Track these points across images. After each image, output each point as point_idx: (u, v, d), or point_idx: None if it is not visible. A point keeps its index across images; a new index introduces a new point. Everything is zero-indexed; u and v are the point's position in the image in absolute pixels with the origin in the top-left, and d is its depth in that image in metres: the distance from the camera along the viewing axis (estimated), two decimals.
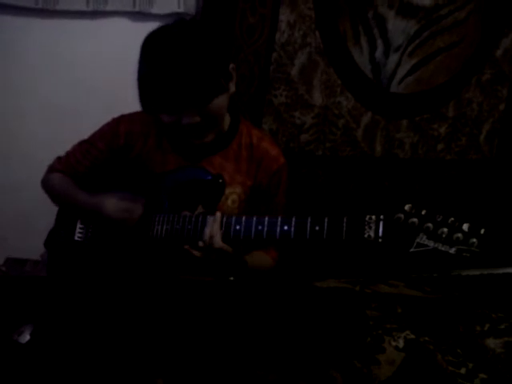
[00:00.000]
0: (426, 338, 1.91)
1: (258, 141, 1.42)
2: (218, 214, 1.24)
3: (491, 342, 1.93)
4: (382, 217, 1.11)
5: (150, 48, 1.27)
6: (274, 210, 1.43)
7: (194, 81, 1.19)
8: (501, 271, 2.56)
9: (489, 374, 1.73)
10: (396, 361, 1.75)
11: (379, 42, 2.17)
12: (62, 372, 1.30)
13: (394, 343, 1.86)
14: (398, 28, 2.17)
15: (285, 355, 1.31)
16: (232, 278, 1.38)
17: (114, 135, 1.43)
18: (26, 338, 1.49)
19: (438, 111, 2.37)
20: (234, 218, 1.23)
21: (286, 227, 1.18)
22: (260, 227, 1.20)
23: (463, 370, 1.75)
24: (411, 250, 1.07)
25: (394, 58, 2.21)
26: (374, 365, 1.71)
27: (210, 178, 1.33)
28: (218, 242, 1.21)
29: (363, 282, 2.31)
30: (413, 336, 1.91)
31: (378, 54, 2.19)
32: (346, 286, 2.26)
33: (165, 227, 1.30)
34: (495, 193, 2.56)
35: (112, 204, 1.36)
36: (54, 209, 1.54)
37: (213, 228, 1.22)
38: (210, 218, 1.24)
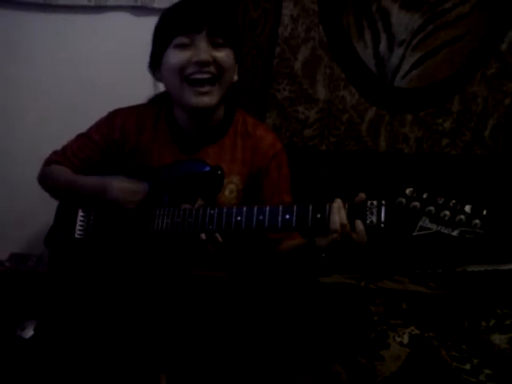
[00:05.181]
0: (431, 334, 1.90)
1: (253, 128, 1.43)
2: (339, 201, 1.14)
3: (496, 338, 1.92)
4: (383, 202, 1.10)
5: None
6: (279, 193, 1.42)
7: (217, 6, 1.29)
8: (506, 267, 2.55)
9: (494, 370, 1.73)
10: (401, 356, 1.74)
11: (383, 36, 2.16)
12: (66, 367, 1.30)
13: (398, 339, 1.85)
14: (402, 22, 2.15)
15: (289, 351, 1.31)
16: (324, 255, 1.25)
17: (110, 128, 1.44)
18: (29, 333, 1.50)
19: (442, 106, 2.36)
20: (234, 209, 1.22)
21: (287, 216, 1.17)
22: (261, 217, 1.19)
23: (468, 366, 1.74)
24: (414, 233, 1.06)
25: (398, 52, 2.20)
26: (378, 360, 1.70)
27: (208, 169, 1.32)
28: (361, 227, 1.11)
29: (368, 277, 2.31)
30: (417, 332, 1.91)
31: (382, 48, 2.17)
32: (350, 281, 2.25)
33: (165, 221, 1.29)
34: (500, 188, 2.55)
35: (116, 185, 1.34)
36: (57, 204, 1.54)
37: (341, 215, 1.13)
38: (333, 206, 1.14)
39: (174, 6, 1.35)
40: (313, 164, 2.25)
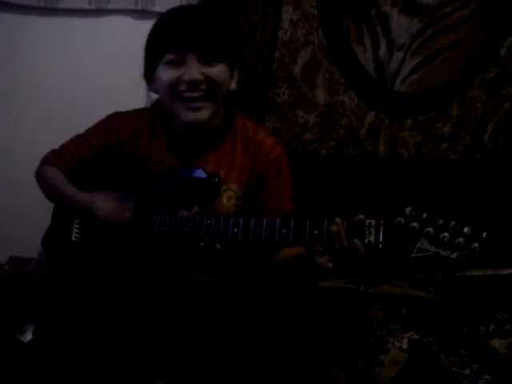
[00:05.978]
0: (430, 339, 1.89)
1: (253, 132, 1.41)
2: (338, 222, 1.12)
3: (496, 343, 1.91)
4: (382, 222, 1.09)
5: (168, 11, 1.34)
6: (278, 200, 1.41)
7: (208, 21, 1.27)
8: (505, 272, 2.55)
9: (493, 375, 1.72)
10: (400, 361, 1.74)
11: (382, 41, 2.16)
12: (64, 372, 1.30)
13: (397, 344, 1.84)
14: (402, 26, 2.16)
15: (288, 355, 1.30)
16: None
17: (107, 133, 1.43)
18: (28, 337, 1.49)
19: (442, 110, 2.36)
20: (231, 221, 1.21)
21: (284, 231, 1.16)
22: (258, 230, 1.18)
23: (467, 371, 1.73)
24: (412, 255, 1.05)
25: (397, 56, 2.20)
26: (377, 365, 1.70)
27: (205, 176, 1.31)
28: (359, 246, 1.10)
29: (367, 282, 2.30)
30: (417, 336, 1.90)
31: (382, 52, 2.18)
32: (349, 286, 2.25)
33: (162, 229, 1.28)
34: (500, 192, 2.55)
35: (101, 206, 1.34)
36: None
37: (341, 239, 1.11)
38: (333, 230, 1.11)
39: (163, 20, 1.31)
40: (312, 168, 2.25)
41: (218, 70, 1.27)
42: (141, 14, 1.88)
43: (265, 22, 1.97)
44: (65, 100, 1.94)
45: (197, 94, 1.27)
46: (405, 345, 1.84)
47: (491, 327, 2.02)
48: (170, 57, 1.26)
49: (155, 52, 1.29)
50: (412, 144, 2.37)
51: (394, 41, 2.18)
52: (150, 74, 1.34)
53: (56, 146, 1.55)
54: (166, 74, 1.27)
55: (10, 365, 1.41)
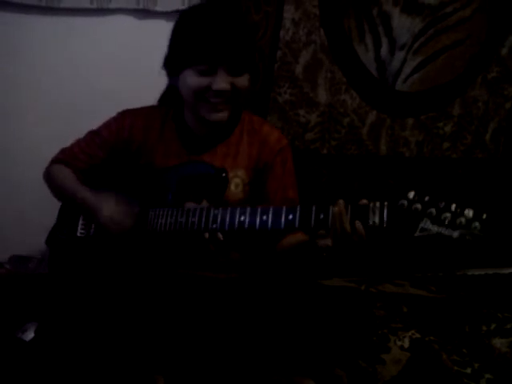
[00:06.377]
0: (432, 338, 1.90)
1: (260, 126, 1.46)
2: (341, 203, 1.16)
3: (497, 342, 1.92)
4: (386, 203, 1.12)
5: (194, 10, 1.36)
6: (283, 188, 1.43)
7: (241, 35, 1.29)
8: (506, 271, 2.55)
9: (494, 374, 1.72)
10: (401, 360, 1.74)
11: (384, 40, 2.16)
12: (65, 369, 1.30)
13: (399, 343, 1.85)
14: (403, 26, 2.16)
15: (290, 353, 1.30)
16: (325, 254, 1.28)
17: (119, 128, 1.46)
18: (30, 335, 1.50)
19: (443, 110, 2.36)
20: (238, 209, 1.23)
21: (290, 216, 1.18)
22: (265, 217, 1.20)
23: (469, 370, 1.74)
24: (415, 234, 1.08)
25: (399, 56, 2.21)
26: (379, 364, 1.70)
27: (213, 172, 1.34)
28: (361, 229, 1.13)
29: (368, 280, 2.31)
30: (418, 335, 1.90)
31: (383, 51, 2.18)
32: (351, 285, 2.25)
33: (168, 220, 1.30)
34: (501, 192, 2.55)
35: (105, 209, 1.36)
36: (58, 206, 1.54)
37: (342, 220, 1.14)
38: (335, 210, 1.14)
39: (193, 26, 1.31)
40: (313, 167, 2.25)
41: (243, 79, 1.32)
42: (142, 13, 1.88)
43: (266, 22, 1.97)
44: (65, 100, 1.94)
45: (222, 100, 1.31)
46: (406, 344, 1.85)
47: (492, 326, 2.02)
48: (200, 67, 1.29)
49: (185, 58, 1.31)
50: (413, 143, 2.37)
51: (395, 40, 2.18)
52: (172, 70, 1.36)
53: (56, 146, 1.54)
54: (193, 79, 1.30)
55: (12, 363, 1.41)
